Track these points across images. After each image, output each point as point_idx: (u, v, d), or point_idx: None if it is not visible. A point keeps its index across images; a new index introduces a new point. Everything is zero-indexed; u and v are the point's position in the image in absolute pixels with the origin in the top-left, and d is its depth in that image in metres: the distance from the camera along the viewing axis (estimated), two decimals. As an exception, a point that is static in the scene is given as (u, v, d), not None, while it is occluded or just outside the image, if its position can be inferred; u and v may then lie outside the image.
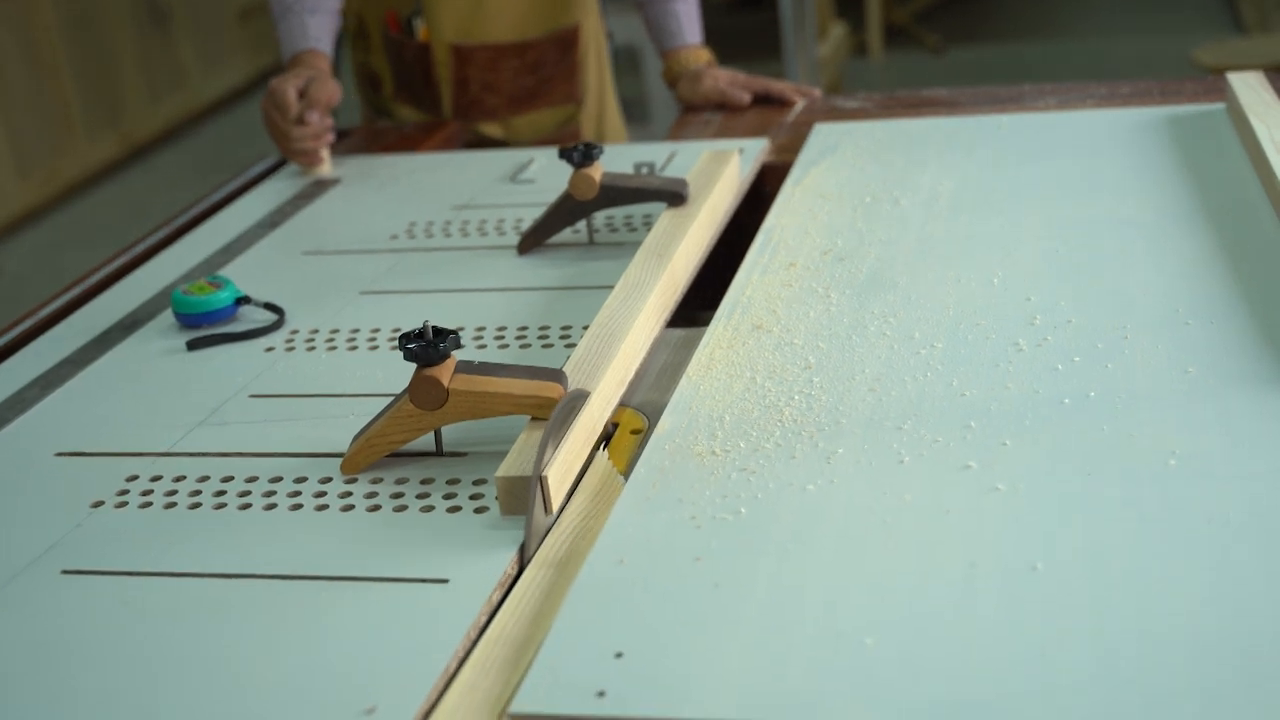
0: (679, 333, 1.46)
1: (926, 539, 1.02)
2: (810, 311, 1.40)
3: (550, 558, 1.08)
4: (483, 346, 1.44)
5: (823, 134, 1.93)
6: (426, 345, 1.18)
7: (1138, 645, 0.89)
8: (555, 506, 1.12)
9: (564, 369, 1.24)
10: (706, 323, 1.41)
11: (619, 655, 0.94)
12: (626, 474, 1.18)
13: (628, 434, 1.27)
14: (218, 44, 6.07)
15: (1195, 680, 0.86)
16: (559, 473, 1.13)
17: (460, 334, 1.37)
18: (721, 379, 1.29)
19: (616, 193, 1.63)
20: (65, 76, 5.11)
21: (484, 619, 1.01)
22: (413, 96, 2.30)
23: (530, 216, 1.75)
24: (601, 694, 0.91)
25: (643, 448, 1.21)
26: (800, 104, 2.16)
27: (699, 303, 1.57)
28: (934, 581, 0.98)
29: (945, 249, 1.51)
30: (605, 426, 1.25)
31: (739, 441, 1.18)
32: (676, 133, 2.12)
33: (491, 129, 2.29)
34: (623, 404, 1.31)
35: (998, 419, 1.17)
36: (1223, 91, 1.82)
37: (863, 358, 1.30)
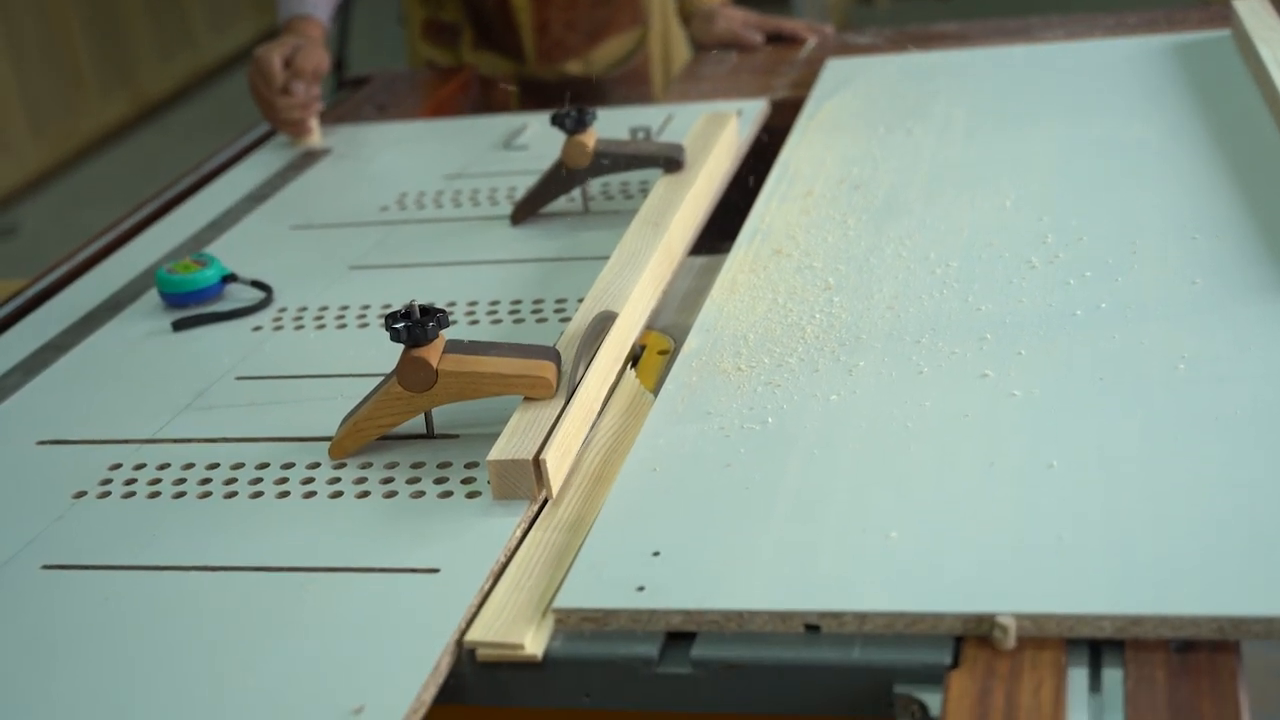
0: (701, 260, 1.50)
1: (946, 441, 1.07)
2: (828, 236, 1.44)
3: (586, 470, 1.13)
4: (475, 322, 1.40)
5: (835, 69, 1.97)
6: (413, 325, 1.14)
7: (1151, 530, 0.94)
8: (555, 488, 1.09)
9: (557, 346, 1.21)
10: (727, 250, 1.45)
11: (656, 554, 0.99)
12: (655, 392, 1.23)
13: (655, 355, 1.31)
14: (226, 2, 6.09)
15: (1205, 558, 0.91)
16: (557, 455, 1.09)
17: (452, 310, 1.36)
18: (745, 301, 1.33)
19: (611, 159, 1.59)
20: (76, 36, 5.14)
21: (475, 610, 0.98)
22: (494, 45, 2.32)
23: (524, 184, 1.70)
24: (641, 589, 0.96)
25: (670, 367, 1.25)
26: (812, 41, 2.20)
27: (718, 233, 1.61)
28: (954, 479, 1.02)
29: (958, 174, 1.56)
30: (632, 348, 1.30)
31: (763, 358, 1.23)
32: (691, 71, 2.16)
33: (574, 66, 2.31)
34: (648, 327, 1.36)
35: (1012, 331, 1.21)
36: (1228, 19, 1.86)
37: (880, 278, 1.34)
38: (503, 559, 1.03)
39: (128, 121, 5.43)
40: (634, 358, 1.30)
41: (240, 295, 1.53)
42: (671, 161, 1.58)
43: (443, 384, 1.16)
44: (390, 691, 0.91)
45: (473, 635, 0.96)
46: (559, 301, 1.42)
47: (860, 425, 1.11)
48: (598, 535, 1.03)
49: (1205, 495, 0.97)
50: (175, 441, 1.26)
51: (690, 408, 1.17)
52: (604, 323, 1.24)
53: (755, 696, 0.92)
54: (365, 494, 1.14)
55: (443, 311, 1.16)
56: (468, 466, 1.15)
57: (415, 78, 2.31)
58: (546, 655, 0.95)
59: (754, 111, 1.87)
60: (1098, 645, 0.89)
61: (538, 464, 1.08)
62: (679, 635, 0.95)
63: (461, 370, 1.15)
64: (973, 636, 0.90)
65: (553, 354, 1.18)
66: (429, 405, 1.17)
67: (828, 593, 0.93)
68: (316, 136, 1.98)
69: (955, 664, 0.88)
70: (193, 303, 1.51)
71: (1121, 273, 1.29)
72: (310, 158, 1.94)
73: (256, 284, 1.53)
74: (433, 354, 1.15)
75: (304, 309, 1.49)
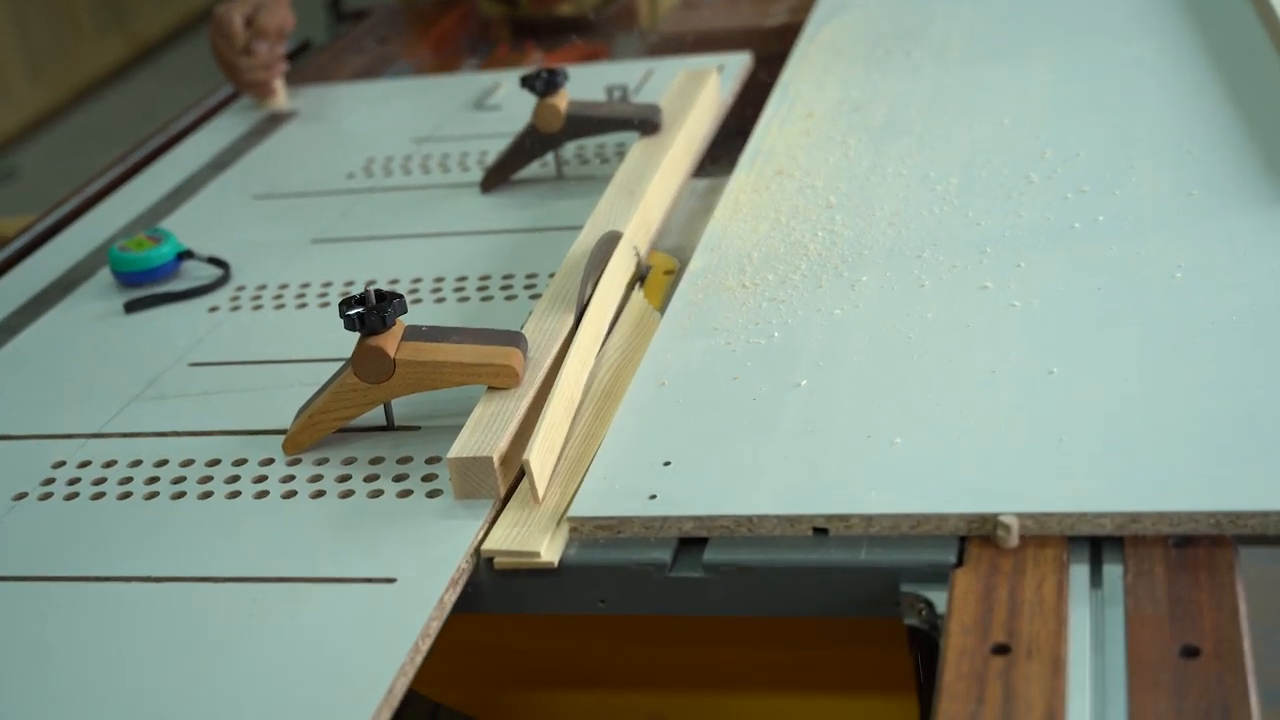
0: (703, 182, 1.52)
1: (948, 351, 1.09)
2: (829, 157, 1.46)
3: (596, 388, 1.15)
4: (441, 300, 1.34)
5: (833, -6, 1.98)
6: (369, 312, 1.07)
7: (1149, 430, 0.96)
8: (541, 492, 1.02)
9: (523, 329, 1.16)
10: (728, 173, 1.47)
11: (667, 464, 1.02)
12: (662, 311, 1.25)
13: (661, 274, 1.33)
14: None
15: (1202, 457, 0.93)
16: (541, 455, 1.02)
17: (417, 287, 1.32)
18: (748, 220, 1.35)
19: (584, 123, 1.52)
20: (71, -22, 5.14)
21: (435, 624, 0.92)
22: None
23: (496, 148, 1.63)
24: (653, 497, 0.98)
25: (675, 286, 1.27)
26: (809, -33, 2.20)
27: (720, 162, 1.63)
28: (956, 387, 1.05)
29: (957, 95, 1.57)
30: (638, 270, 1.32)
31: (767, 275, 1.25)
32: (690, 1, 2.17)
33: (566, 8, 2.30)
34: (654, 248, 1.38)
35: (1012, 244, 1.23)
36: (1223, -63, 1.86)
37: (881, 196, 1.36)
38: (463, 566, 0.97)
39: (124, 64, 5.43)
40: (640, 278, 1.32)
41: (197, 273, 1.46)
42: (647, 124, 1.52)
43: (401, 374, 1.09)
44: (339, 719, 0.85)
45: (489, 545, 0.98)
46: (529, 276, 1.35)
47: (864, 337, 1.13)
48: (609, 447, 1.05)
49: (1202, 396, 0.99)
50: (123, 436, 1.19)
51: (697, 324, 1.19)
52: (609, 244, 1.26)
53: (765, 598, 0.95)
54: (320, 493, 1.07)
55: (400, 296, 1.08)
56: (429, 462, 1.09)
57: (415, 10, 2.31)
58: (562, 563, 0.97)
59: (737, 66, 1.80)
60: (1098, 542, 0.91)
61: (505, 461, 1.03)
62: (690, 541, 0.97)
63: (420, 359, 1.09)
64: (976, 536, 0.92)
65: (519, 339, 1.12)
66: (387, 397, 1.11)
67: (835, 497, 0.95)
68: (282, 98, 1.91)
69: (960, 563, 0.91)
70: (147, 282, 1.44)
71: (1119, 186, 1.31)
72: (275, 121, 1.87)
73: (213, 261, 1.46)
74: (390, 342, 1.08)
75: (263, 287, 1.42)
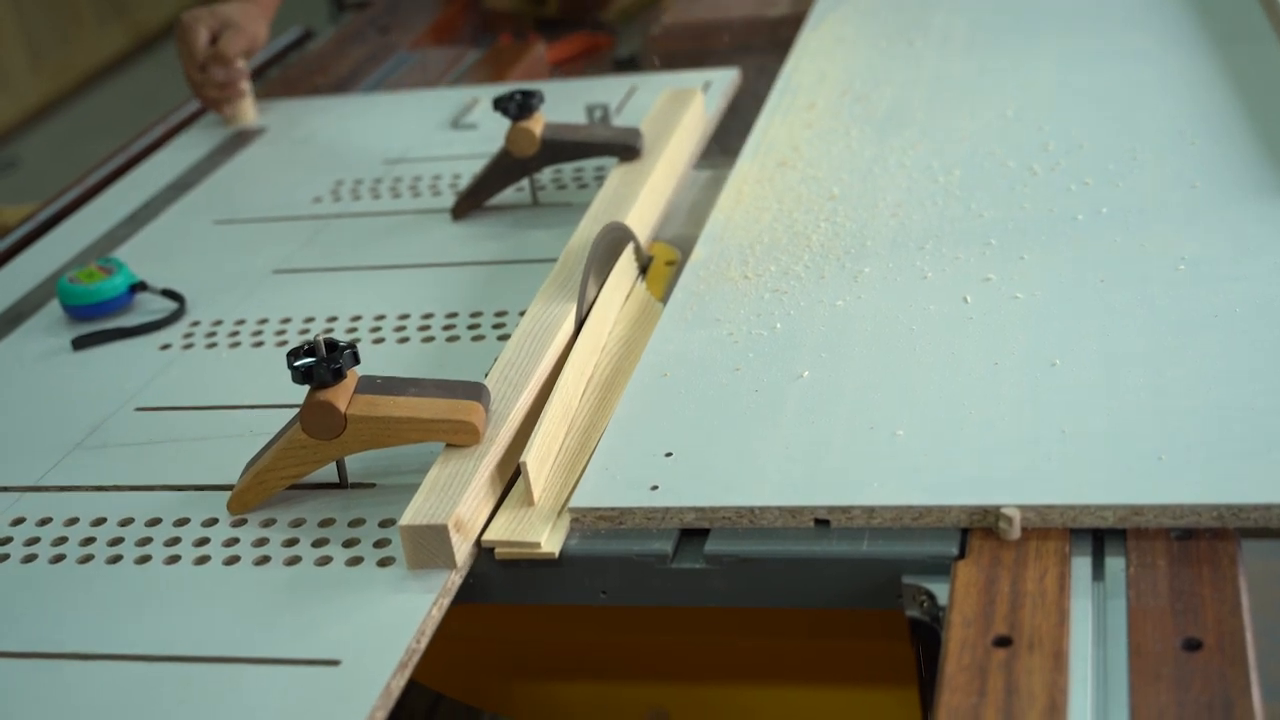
0: (706, 173, 1.52)
1: (951, 343, 1.09)
2: (832, 148, 1.46)
3: (598, 379, 1.15)
4: (404, 339, 1.26)
5: (836, -16, 1.98)
6: (318, 363, 1.00)
7: (1151, 423, 0.96)
8: (537, 495, 1.00)
9: (486, 380, 1.09)
10: (730, 164, 1.47)
11: (669, 455, 1.02)
12: (664, 301, 1.24)
13: (663, 265, 1.33)
14: (220, -69, 6.06)
15: (1204, 449, 0.93)
16: (539, 456, 1.00)
17: (380, 324, 1.27)
18: (750, 211, 1.35)
19: (560, 147, 1.45)
20: (72, -32, 5.14)
21: (380, 714, 0.84)
22: None
23: (470, 170, 1.56)
24: (655, 488, 0.98)
25: (678, 277, 1.27)
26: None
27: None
28: (959, 379, 1.05)
29: (959, 86, 1.57)
30: (640, 258, 1.31)
31: (770, 266, 1.25)
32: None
33: (607, 14, 2.26)
34: (656, 238, 1.38)
35: (1015, 236, 1.23)
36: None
37: (884, 188, 1.36)
38: (414, 646, 0.89)
39: (125, 54, 5.43)
40: (643, 269, 1.32)
41: (151, 306, 1.38)
42: (627, 149, 1.44)
43: (353, 430, 1.01)
44: None
45: (490, 535, 0.98)
46: (498, 315, 1.28)
47: (866, 329, 1.13)
48: (611, 438, 1.05)
49: (1204, 389, 0.99)
50: (60, 489, 1.12)
51: (699, 315, 1.19)
52: (614, 235, 1.26)
53: (767, 589, 0.95)
54: (264, 559, 1.00)
55: (352, 346, 1.01)
56: (382, 525, 1.02)
57: (417, 0, 2.31)
58: (563, 553, 0.97)
59: (724, 82, 1.72)
60: (1100, 535, 0.91)
61: (461, 528, 0.96)
62: (692, 532, 0.97)
63: (374, 415, 1.01)
64: (978, 528, 0.92)
65: (481, 392, 1.05)
66: (339, 454, 1.03)
67: (837, 488, 0.95)
68: (250, 114, 1.82)
69: (962, 555, 0.91)
70: (97, 315, 1.37)
71: (1122, 178, 1.30)
72: (243, 138, 1.78)
73: (168, 293, 1.38)
74: (341, 396, 1.01)
75: (219, 323, 1.34)
